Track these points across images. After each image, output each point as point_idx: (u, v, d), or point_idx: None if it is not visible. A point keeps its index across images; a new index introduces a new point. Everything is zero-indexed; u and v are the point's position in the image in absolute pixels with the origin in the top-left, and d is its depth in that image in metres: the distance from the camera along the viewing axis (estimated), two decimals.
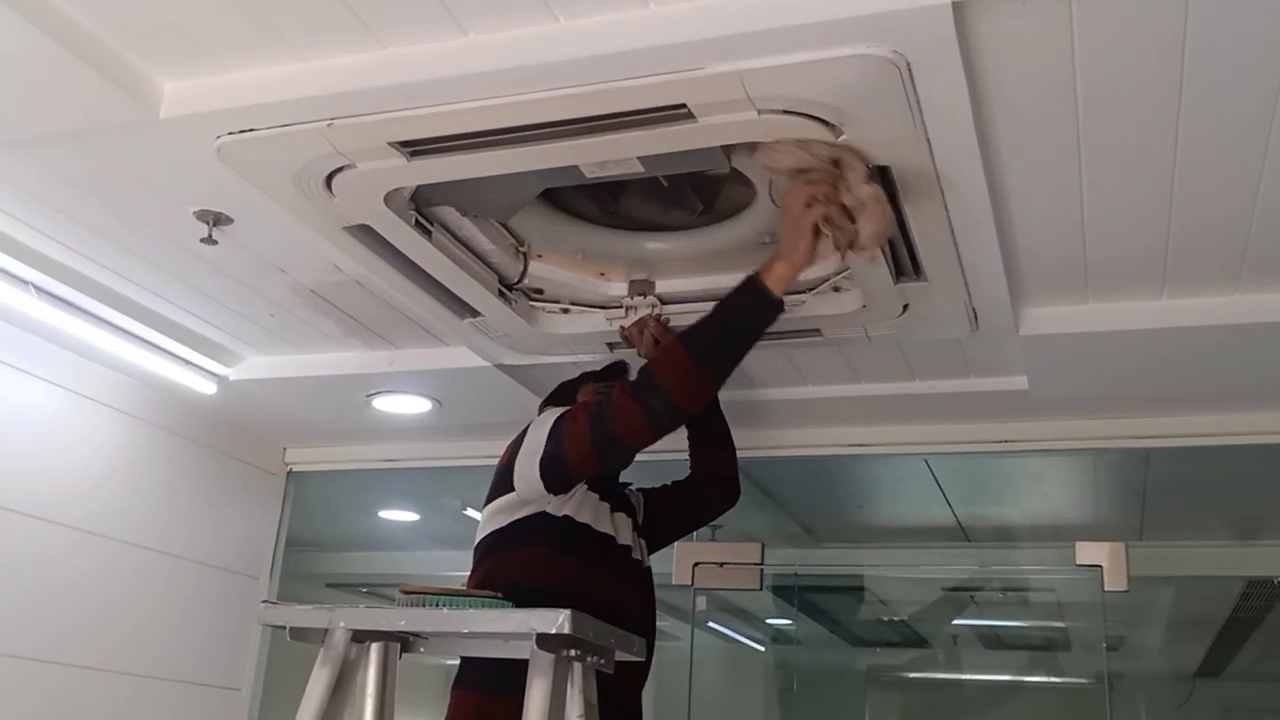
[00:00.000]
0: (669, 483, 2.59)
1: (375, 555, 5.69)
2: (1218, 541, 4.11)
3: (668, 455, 2.86)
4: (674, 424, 2.03)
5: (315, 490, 4.03)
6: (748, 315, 1.98)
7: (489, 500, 2.23)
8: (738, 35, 1.57)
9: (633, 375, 2.26)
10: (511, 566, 2.12)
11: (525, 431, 2.19)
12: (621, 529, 2.27)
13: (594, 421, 2.04)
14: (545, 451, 2.09)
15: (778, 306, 1.96)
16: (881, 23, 1.52)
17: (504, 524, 2.16)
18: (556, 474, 2.10)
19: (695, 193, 2.28)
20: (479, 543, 2.22)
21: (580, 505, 2.17)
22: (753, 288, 1.96)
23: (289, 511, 3.91)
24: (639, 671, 2.18)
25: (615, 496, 2.31)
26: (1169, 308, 2.41)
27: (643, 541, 2.38)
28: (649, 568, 2.38)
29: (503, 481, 2.18)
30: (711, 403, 2.58)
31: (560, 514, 2.14)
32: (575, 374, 2.55)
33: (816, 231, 1.91)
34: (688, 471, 2.61)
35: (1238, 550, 4.06)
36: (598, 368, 2.54)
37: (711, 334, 1.99)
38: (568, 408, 2.18)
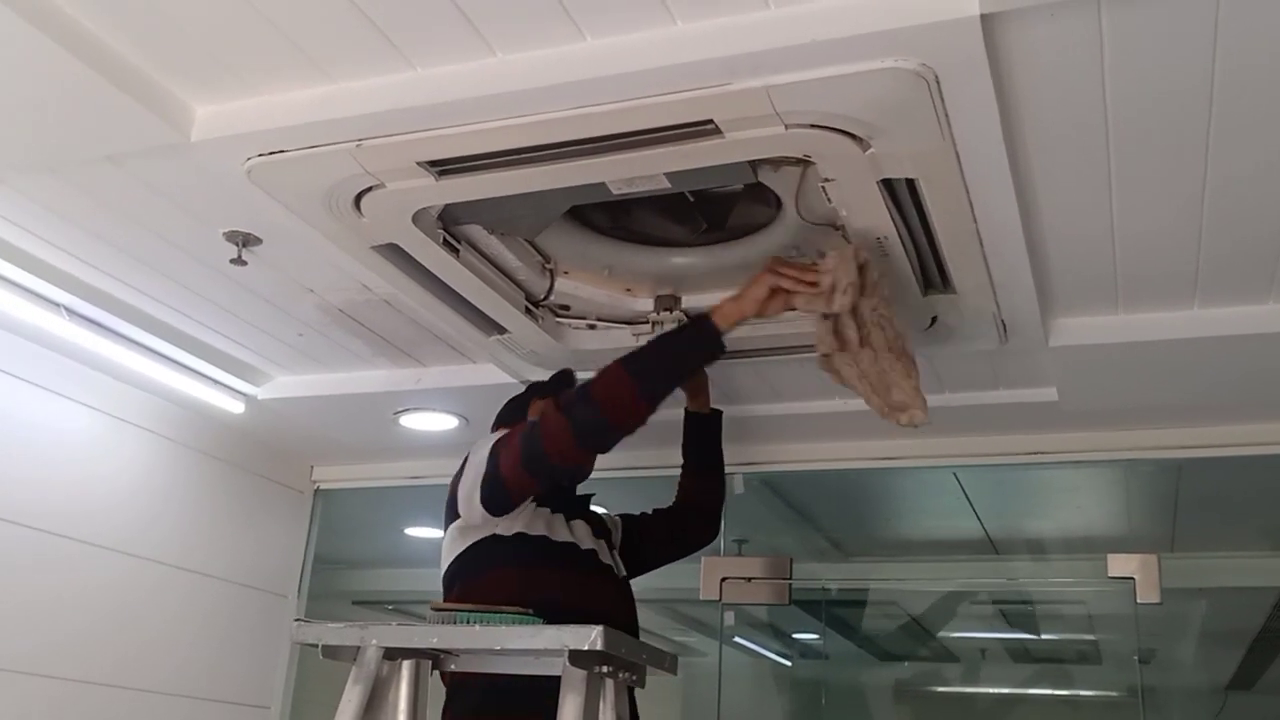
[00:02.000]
0: (649, 510, 2.60)
1: (402, 572, 5.68)
2: (1250, 553, 4.06)
3: (648, 472, 2.85)
4: (601, 443, 2.06)
5: (342, 508, 4.03)
6: (689, 345, 2.07)
7: (445, 527, 2.24)
8: (764, 51, 1.58)
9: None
10: (478, 590, 2.11)
11: (468, 456, 2.20)
12: (581, 535, 2.28)
13: (525, 440, 2.07)
14: (485, 473, 2.11)
15: (719, 346, 2.06)
16: (909, 36, 1.52)
17: (460, 550, 2.18)
18: (495, 495, 2.11)
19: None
20: (444, 572, 2.22)
21: (531, 521, 2.18)
22: (699, 323, 2.07)
23: (317, 529, 3.92)
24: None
25: (569, 507, 2.31)
26: (1201, 317, 2.40)
27: (619, 560, 2.38)
28: (626, 577, 2.38)
29: (452, 508, 2.20)
30: (714, 429, 2.60)
31: (511, 533, 2.15)
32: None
33: (773, 293, 2.04)
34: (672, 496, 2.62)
35: (1271, 561, 4.00)
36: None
37: (653, 357, 2.06)
38: (509, 430, 2.18)
